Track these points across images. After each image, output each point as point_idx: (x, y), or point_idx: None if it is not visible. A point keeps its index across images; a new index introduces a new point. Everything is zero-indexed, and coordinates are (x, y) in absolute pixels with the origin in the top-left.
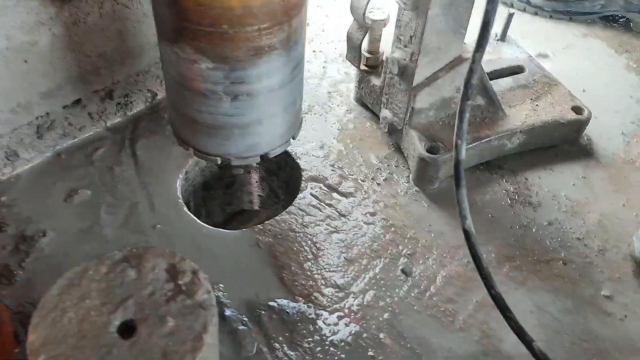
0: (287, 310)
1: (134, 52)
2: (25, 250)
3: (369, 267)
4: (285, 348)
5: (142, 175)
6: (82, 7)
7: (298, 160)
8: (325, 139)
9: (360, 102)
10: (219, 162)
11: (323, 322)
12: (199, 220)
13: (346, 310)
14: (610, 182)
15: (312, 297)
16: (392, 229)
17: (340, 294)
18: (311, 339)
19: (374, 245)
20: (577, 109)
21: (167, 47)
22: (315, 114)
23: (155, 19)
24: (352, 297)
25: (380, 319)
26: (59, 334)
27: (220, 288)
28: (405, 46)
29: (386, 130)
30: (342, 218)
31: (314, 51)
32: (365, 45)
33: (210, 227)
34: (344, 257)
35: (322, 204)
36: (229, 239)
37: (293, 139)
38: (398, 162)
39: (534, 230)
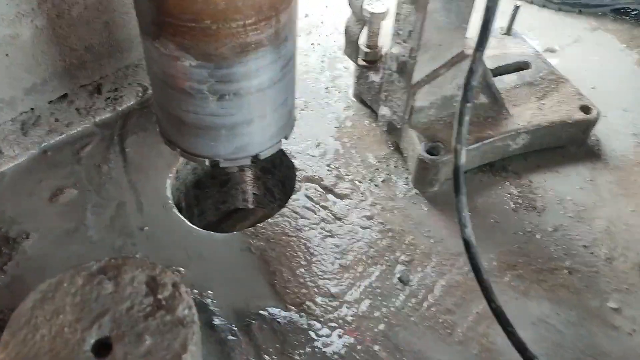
0: (279, 320)
1: (122, 44)
2: (8, 252)
3: (364, 274)
4: None
5: (131, 174)
6: None
7: (293, 160)
8: (321, 137)
9: (359, 98)
10: (208, 164)
11: (316, 333)
12: (188, 222)
13: (340, 321)
14: (618, 186)
15: (305, 306)
16: (390, 233)
17: (334, 303)
18: (303, 351)
19: (370, 251)
20: (586, 108)
21: (149, 42)
22: (312, 110)
23: (136, 12)
24: (347, 307)
25: (376, 330)
26: (30, 352)
27: (209, 295)
28: (404, 41)
29: (385, 128)
30: (338, 221)
31: (312, 44)
32: (363, 39)
33: (200, 229)
34: (339, 264)
35: (317, 206)
36: (219, 243)
37: (285, 139)
38: (397, 163)
39: (538, 236)
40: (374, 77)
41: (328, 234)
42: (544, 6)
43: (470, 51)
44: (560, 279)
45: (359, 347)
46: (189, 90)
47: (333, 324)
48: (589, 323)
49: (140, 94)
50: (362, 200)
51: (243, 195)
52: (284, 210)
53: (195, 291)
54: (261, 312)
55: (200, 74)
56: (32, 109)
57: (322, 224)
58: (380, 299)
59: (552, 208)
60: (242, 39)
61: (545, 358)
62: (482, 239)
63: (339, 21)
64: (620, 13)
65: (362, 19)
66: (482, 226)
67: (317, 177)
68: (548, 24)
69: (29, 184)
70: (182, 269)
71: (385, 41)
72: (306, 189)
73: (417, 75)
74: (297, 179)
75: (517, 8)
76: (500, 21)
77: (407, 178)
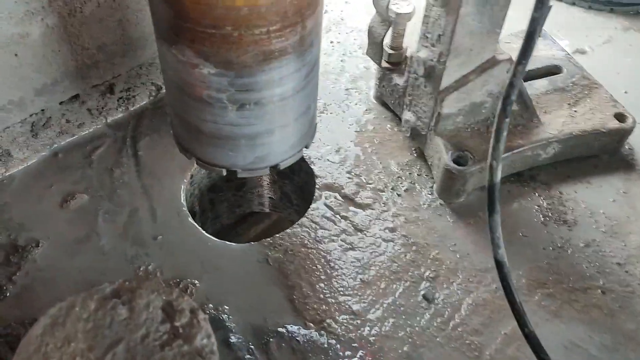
0: (298, 338)
1: (136, 43)
2: (17, 262)
3: (387, 291)
4: None
5: (144, 178)
6: None
7: (312, 166)
8: (341, 142)
9: (381, 101)
10: (225, 173)
11: (336, 353)
12: (203, 231)
13: (362, 341)
14: None
15: (325, 324)
16: (414, 247)
17: (356, 322)
18: None
19: (394, 266)
20: (620, 116)
21: (165, 47)
22: (331, 113)
23: (152, 15)
24: (369, 326)
25: (400, 351)
26: None
27: (225, 310)
28: (433, 45)
29: (409, 134)
30: (359, 233)
31: (331, 42)
32: (387, 40)
33: (215, 239)
34: (360, 279)
35: (337, 216)
36: (236, 253)
37: (306, 147)
38: (421, 171)
39: (569, 252)
40: (398, 80)
41: (349, 246)
42: (573, 4)
43: (502, 57)
44: (593, 299)
45: None
46: (207, 99)
47: (355, 344)
48: (624, 347)
49: (153, 94)
50: (385, 211)
51: (259, 199)
52: (303, 220)
53: (211, 305)
54: (280, 329)
55: (219, 83)
56: (42, 110)
57: (343, 236)
58: (404, 317)
59: (584, 222)
60: (265, 47)
61: None
62: (510, 254)
63: (360, 18)
64: None
65: (387, 20)
66: (510, 240)
67: (337, 185)
68: (577, 23)
69: (39, 188)
70: (197, 282)
71: (410, 42)
72: (326, 198)
73: (446, 80)
74: (317, 186)
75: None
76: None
77: (431, 187)
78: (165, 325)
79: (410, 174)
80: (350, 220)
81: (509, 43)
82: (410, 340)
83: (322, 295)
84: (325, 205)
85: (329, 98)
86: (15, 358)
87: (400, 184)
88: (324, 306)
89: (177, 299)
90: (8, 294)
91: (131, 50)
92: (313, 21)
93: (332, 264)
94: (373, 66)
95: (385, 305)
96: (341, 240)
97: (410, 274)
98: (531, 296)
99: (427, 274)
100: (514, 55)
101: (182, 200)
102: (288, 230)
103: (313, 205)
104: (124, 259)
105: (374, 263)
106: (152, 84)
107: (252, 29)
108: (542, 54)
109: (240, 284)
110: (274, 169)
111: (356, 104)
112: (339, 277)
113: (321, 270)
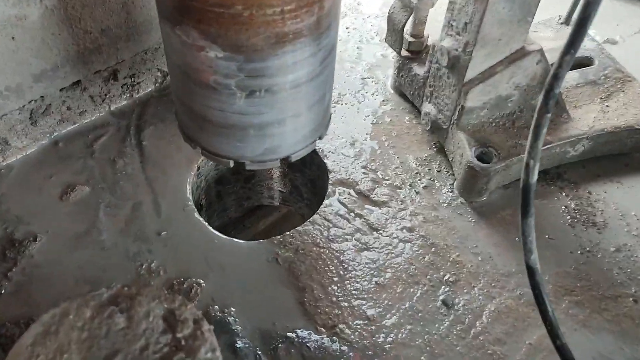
0: (308, 345)
1: (141, 26)
2: (13, 257)
3: (404, 295)
4: None
5: (148, 170)
6: None
7: (325, 159)
8: (356, 135)
9: (399, 91)
10: (232, 165)
11: None
12: (210, 227)
13: (377, 349)
14: None
15: (338, 330)
16: (433, 249)
17: (371, 328)
18: None
19: (411, 268)
20: None
21: (169, 28)
22: (346, 103)
23: None
24: (384, 333)
25: None
26: None
27: (232, 312)
28: (458, 34)
29: (428, 127)
30: (374, 233)
31: (347, 28)
32: (408, 27)
33: (222, 236)
34: (375, 282)
35: (352, 214)
36: (244, 252)
37: (320, 139)
38: (441, 166)
39: (598, 256)
40: (418, 70)
41: (363, 246)
42: None
43: (532, 47)
44: (624, 308)
45: None
46: (214, 85)
47: (369, 352)
48: None
49: (159, 80)
50: (402, 209)
51: (269, 192)
52: (315, 217)
53: (216, 307)
54: (289, 334)
55: (227, 67)
56: (41, 97)
57: (357, 235)
58: (421, 324)
59: (614, 224)
60: (278, 28)
61: None
62: None
63: (377, 3)
64: None
65: (408, 6)
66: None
67: (351, 180)
68: (608, 12)
69: (38, 179)
70: (202, 281)
71: (431, 30)
72: (339, 194)
73: (471, 72)
74: (330, 181)
75: None
76: (557, 8)
77: (451, 185)
78: (166, 336)
79: (429, 170)
80: (365, 219)
81: (536, 32)
82: (428, 348)
83: (334, 299)
84: (339, 202)
85: (344, 88)
86: None
87: (419, 180)
88: (336, 310)
89: (180, 307)
90: (3, 291)
91: (136, 35)
92: (331, 1)
93: (345, 265)
94: (391, 54)
95: (401, 310)
96: (355, 239)
97: (428, 277)
98: (558, 304)
99: (446, 277)
100: (544, 45)
101: (188, 194)
102: (299, 228)
103: (326, 202)
104: (126, 256)
105: (390, 265)
106: (157, 70)
107: (265, 9)
108: None
109: (247, 285)
110: (285, 161)
111: (372, 95)
112: (353, 279)
113: (334, 271)
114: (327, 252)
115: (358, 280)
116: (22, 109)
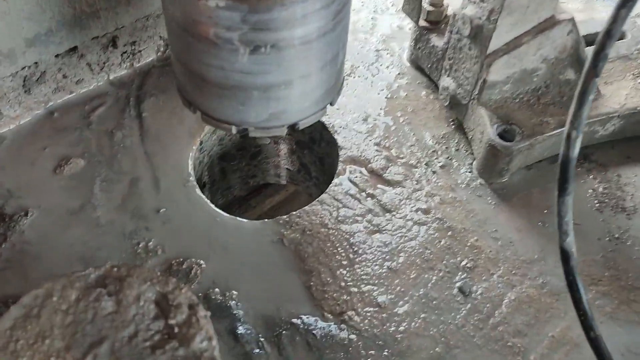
0: (314, 332)
1: None
2: (3, 232)
3: (418, 281)
4: None
5: (148, 144)
6: None
7: (335, 135)
8: (370, 109)
9: (415, 64)
10: (235, 132)
11: (358, 351)
12: (212, 205)
13: (388, 338)
14: None
15: (346, 317)
16: (449, 232)
17: (381, 316)
18: None
19: (426, 253)
20: None
21: None
22: (359, 76)
23: None
24: (396, 321)
25: (431, 352)
26: None
27: (233, 296)
28: (482, 0)
29: (447, 103)
30: (387, 214)
31: None
32: None
33: (225, 214)
34: (387, 267)
35: (363, 194)
36: (248, 232)
37: (331, 104)
38: (459, 145)
39: (628, 244)
40: (437, 41)
41: (375, 228)
42: None
43: (562, 16)
44: None
45: None
46: (214, 39)
47: (380, 342)
48: None
49: (162, 49)
50: (417, 190)
51: (275, 169)
52: (324, 196)
53: (217, 290)
54: (294, 320)
55: (230, 19)
56: (35, 63)
57: (369, 216)
58: (437, 313)
59: None
60: None
61: None
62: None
63: None
64: None
65: None
66: None
67: (363, 158)
68: None
69: (31, 150)
70: (203, 262)
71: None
72: (350, 172)
73: (495, 42)
74: (340, 159)
75: None
76: None
77: (470, 164)
78: (157, 322)
79: (447, 148)
80: (377, 199)
81: (564, 2)
82: (443, 339)
83: (343, 284)
84: (350, 180)
85: (357, 60)
86: None
87: (436, 159)
88: (345, 296)
89: (174, 291)
90: None
91: None
92: None
93: (355, 248)
94: (407, 25)
95: (415, 297)
96: (366, 221)
97: (444, 262)
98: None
99: (463, 263)
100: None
101: (189, 170)
102: (306, 208)
103: (335, 181)
104: (122, 234)
105: (404, 249)
106: (160, 38)
107: None
108: (601, 16)
109: (251, 267)
110: (292, 129)
111: (387, 67)
112: (363, 263)
113: (343, 254)
114: (336, 233)
115: (369, 264)
116: (15, 75)
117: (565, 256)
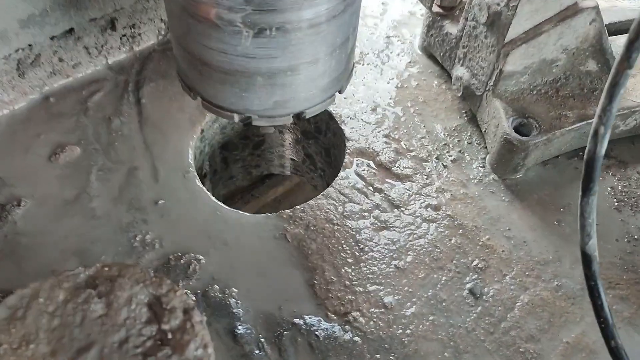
0: (317, 333)
1: None
2: None
3: (426, 282)
4: None
5: (146, 132)
6: None
7: (342, 126)
8: (379, 99)
9: (427, 52)
10: (237, 120)
11: (362, 354)
12: (213, 197)
13: (394, 341)
14: None
15: (350, 318)
16: (460, 230)
17: (388, 317)
18: None
19: (435, 252)
20: None
21: None
22: (368, 64)
23: None
24: (403, 324)
25: (439, 356)
26: None
27: (233, 294)
28: None
29: (460, 94)
30: (395, 210)
31: None
32: None
33: (226, 207)
34: (395, 265)
35: (370, 188)
36: (249, 226)
37: (340, 93)
38: (472, 138)
39: None
40: (450, 28)
41: (383, 225)
42: None
43: (586, 3)
44: None
45: None
46: (216, 20)
47: (385, 345)
48: None
49: (163, 32)
50: (427, 185)
51: (279, 160)
52: (329, 190)
53: (216, 287)
54: (296, 320)
55: None
56: (30, 45)
57: (376, 212)
58: (446, 315)
59: None
60: None
61: None
62: (575, 244)
63: None
64: None
65: None
66: (576, 229)
67: (371, 150)
68: None
69: (25, 137)
70: (202, 257)
71: None
72: (357, 165)
73: (514, 31)
74: (347, 151)
75: None
76: None
77: (483, 159)
78: (150, 327)
79: (459, 141)
80: (385, 194)
81: None
82: (452, 343)
83: (348, 282)
84: (357, 174)
85: (366, 46)
86: None
87: (447, 152)
88: (349, 296)
89: (168, 293)
90: None
91: None
92: None
93: (361, 245)
94: (420, 11)
95: (423, 299)
96: (373, 217)
97: (454, 262)
98: None
99: (475, 263)
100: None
101: (189, 159)
102: (311, 202)
103: (342, 174)
104: (118, 226)
105: (412, 247)
106: (161, 20)
107: None
108: (626, 5)
109: (252, 263)
110: (298, 118)
111: (398, 55)
112: (369, 261)
113: (348, 251)
114: (342, 229)
115: (375, 262)
116: (8, 58)
117: (586, 260)
